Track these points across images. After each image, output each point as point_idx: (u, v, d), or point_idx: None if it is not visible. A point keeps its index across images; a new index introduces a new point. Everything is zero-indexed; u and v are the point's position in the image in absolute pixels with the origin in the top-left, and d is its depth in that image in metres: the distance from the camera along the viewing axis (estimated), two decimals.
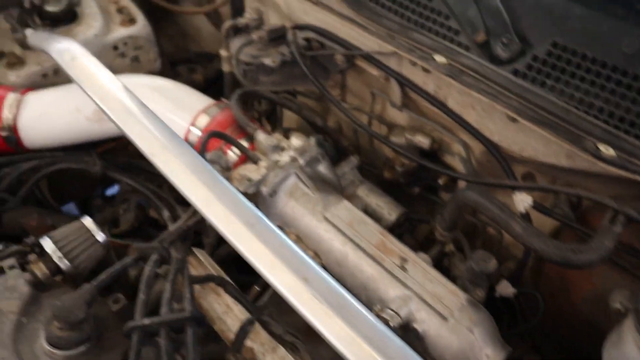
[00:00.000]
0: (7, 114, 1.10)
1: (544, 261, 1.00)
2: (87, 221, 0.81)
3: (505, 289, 0.90)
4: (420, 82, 0.97)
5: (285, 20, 1.18)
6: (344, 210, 0.87)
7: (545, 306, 0.94)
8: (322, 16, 1.06)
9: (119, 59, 1.36)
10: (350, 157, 1.04)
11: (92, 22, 1.32)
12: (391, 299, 0.76)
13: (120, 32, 1.36)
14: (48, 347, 0.68)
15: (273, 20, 1.27)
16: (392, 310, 0.73)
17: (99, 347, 0.70)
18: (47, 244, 0.76)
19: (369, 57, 1.01)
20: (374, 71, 1.04)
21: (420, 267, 0.79)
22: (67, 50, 0.98)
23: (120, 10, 1.39)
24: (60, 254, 0.76)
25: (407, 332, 0.74)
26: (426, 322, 0.74)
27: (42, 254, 0.77)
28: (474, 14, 0.91)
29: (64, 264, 0.76)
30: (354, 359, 0.57)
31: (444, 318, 0.73)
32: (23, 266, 0.80)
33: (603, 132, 0.76)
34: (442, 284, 0.78)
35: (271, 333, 0.75)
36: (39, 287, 0.75)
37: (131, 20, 1.37)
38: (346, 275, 0.82)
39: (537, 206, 0.86)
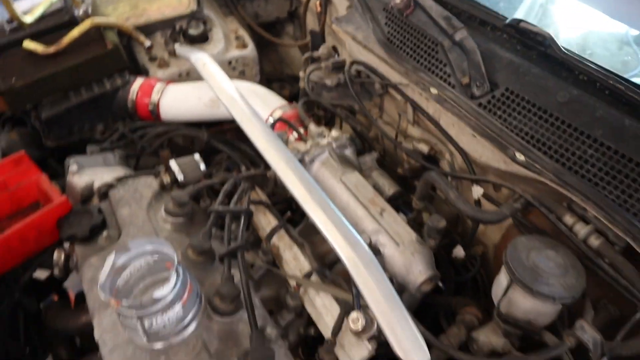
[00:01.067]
0: (154, 96, 1.68)
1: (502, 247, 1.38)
2: (197, 156, 1.33)
3: (459, 252, 1.30)
4: (424, 106, 1.42)
5: (348, 55, 1.67)
6: (354, 177, 1.32)
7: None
8: (369, 56, 1.54)
9: (231, 71, 1.92)
10: (373, 152, 1.49)
11: (217, 44, 1.90)
12: (369, 230, 1.20)
13: (235, 52, 1.92)
14: (165, 215, 1.19)
15: (344, 54, 1.77)
16: (367, 235, 1.17)
17: (192, 221, 1.20)
18: (173, 164, 1.29)
19: (394, 87, 1.48)
20: (398, 97, 1.50)
21: (392, 216, 1.23)
22: (201, 59, 1.54)
23: (238, 37, 1.96)
24: (179, 170, 1.28)
25: (374, 250, 1.16)
26: (386, 246, 1.16)
27: (168, 170, 1.29)
28: (464, 65, 1.35)
29: (180, 177, 1.28)
30: (335, 244, 1.02)
31: (397, 244, 1.16)
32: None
33: (521, 146, 1.17)
34: (403, 227, 1.20)
35: (291, 237, 1.21)
36: (163, 187, 1.28)
37: (244, 45, 1.93)
38: (347, 216, 1.26)
39: (485, 196, 1.28)
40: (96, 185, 1.31)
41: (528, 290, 0.95)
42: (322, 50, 1.62)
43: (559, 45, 1.26)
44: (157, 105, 1.67)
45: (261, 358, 0.90)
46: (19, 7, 1.72)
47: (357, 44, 1.56)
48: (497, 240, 1.37)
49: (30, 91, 1.61)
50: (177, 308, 0.89)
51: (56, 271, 1.26)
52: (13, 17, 1.59)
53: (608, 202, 1.03)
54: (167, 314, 0.88)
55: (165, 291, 0.85)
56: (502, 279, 1.04)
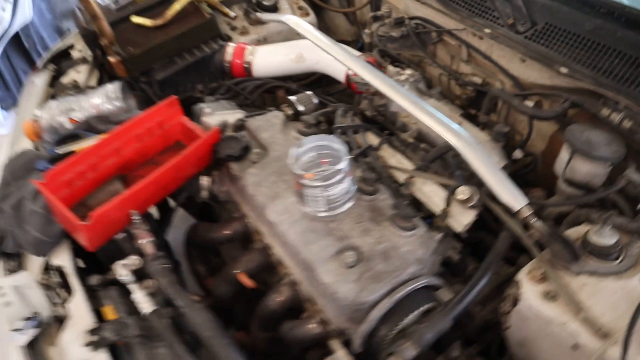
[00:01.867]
0: (248, 57, 2.02)
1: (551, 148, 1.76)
2: (309, 93, 1.69)
3: (519, 154, 1.69)
4: (477, 45, 1.80)
5: (403, 13, 2.04)
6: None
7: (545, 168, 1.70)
8: (425, 10, 1.91)
9: (297, 35, 2.27)
10: (437, 87, 1.87)
11: (285, 13, 2.25)
12: None
13: None
14: (297, 135, 1.55)
15: (396, 13, 2.13)
16: None
17: None
18: (293, 98, 1.65)
19: (450, 33, 1.85)
20: (452, 42, 1.87)
21: (468, 126, 1.61)
22: (292, 19, 1.89)
23: (300, 7, 2.32)
24: (299, 103, 1.63)
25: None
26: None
27: (290, 104, 1.65)
28: (508, 9, 1.73)
29: (301, 107, 1.63)
30: (444, 133, 1.39)
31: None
32: None
33: (563, 62, 1.55)
34: (479, 132, 1.58)
35: (394, 147, 1.58)
36: (288, 118, 1.64)
37: (307, 14, 2.29)
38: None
39: (535, 106, 1.66)
40: (230, 121, 1.66)
41: (586, 156, 1.34)
42: (385, 10, 1.99)
43: None
44: (250, 64, 2.01)
45: (406, 215, 1.27)
46: None
47: (415, 1, 1.93)
48: (543, 148, 1.76)
49: (145, 58, 1.95)
50: (347, 181, 1.26)
51: (204, 194, 1.62)
52: None
53: (634, 94, 1.42)
54: (341, 185, 1.25)
55: (344, 164, 1.21)
56: (563, 155, 1.42)
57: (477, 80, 1.84)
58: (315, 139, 1.29)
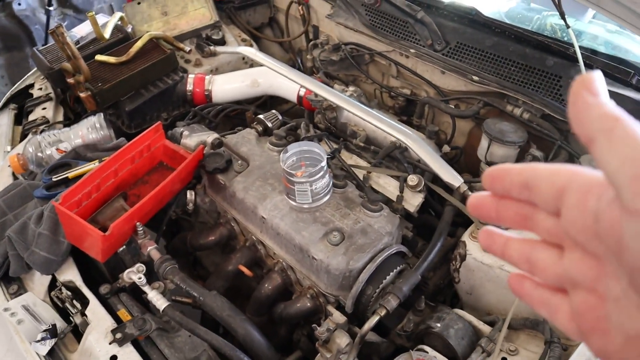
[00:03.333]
0: (207, 85, 2.28)
1: (470, 142, 2.19)
2: (274, 112, 1.98)
3: (447, 148, 2.09)
4: (404, 63, 2.19)
5: (338, 40, 2.40)
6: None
7: (467, 158, 2.13)
8: (358, 37, 2.29)
9: (244, 65, 2.56)
10: (374, 99, 2.24)
11: (232, 45, 2.54)
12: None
13: None
14: (270, 146, 1.83)
15: (331, 41, 2.49)
16: None
17: None
18: (261, 116, 1.93)
19: (380, 54, 2.24)
20: (382, 61, 2.26)
21: (406, 127, 1.98)
22: (249, 50, 2.19)
23: (243, 39, 2.61)
24: (267, 120, 1.92)
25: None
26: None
27: (259, 122, 1.94)
28: (426, 32, 2.14)
29: (269, 124, 1.92)
30: (394, 133, 1.74)
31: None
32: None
33: (474, 72, 1.97)
34: (416, 132, 1.96)
35: (349, 150, 1.92)
36: (259, 133, 1.92)
37: (251, 45, 2.58)
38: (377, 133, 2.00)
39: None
40: (209, 141, 1.92)
41: (501, 142, 1.75)
42: (323, 38, 2.34)
43: (481, 13, 2.10)
44: (210, 91, 2.28)
45: (376, 199, 1.60)
46: (81, 30, 2.25)
47: (348, 30, 2.30)
48: (464, 142, 2.18)
49: (113, 91, 2.14)
50: (327, 176, 1.57)
51: (190, 206, 1.86)
52: (98, 36, 2.11)
53: (529, 92, 1.86)
54: (323, 179, 1.55)
55: (324, 162, 1.52)
56: (483, 143, 1.83)
57: (406, 91, 2.24)
58: (298, 145, 1.59)
